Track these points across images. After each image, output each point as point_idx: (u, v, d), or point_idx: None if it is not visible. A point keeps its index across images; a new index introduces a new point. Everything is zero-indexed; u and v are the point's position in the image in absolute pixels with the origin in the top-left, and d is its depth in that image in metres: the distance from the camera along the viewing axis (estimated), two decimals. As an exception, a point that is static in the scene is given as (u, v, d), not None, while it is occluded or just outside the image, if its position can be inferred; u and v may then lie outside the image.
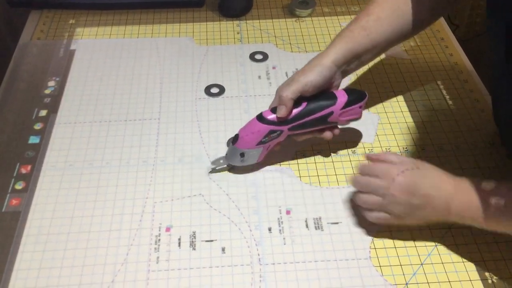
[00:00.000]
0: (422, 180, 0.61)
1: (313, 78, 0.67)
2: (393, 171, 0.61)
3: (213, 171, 0.73)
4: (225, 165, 0.73)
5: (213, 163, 0.73)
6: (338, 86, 0.72)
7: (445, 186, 0.60)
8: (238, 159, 0.71)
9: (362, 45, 0.70)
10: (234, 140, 0.70)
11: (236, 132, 0.71)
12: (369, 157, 0.67)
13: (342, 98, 0.69)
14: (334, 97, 0.69)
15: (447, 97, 0.85)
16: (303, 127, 0.70)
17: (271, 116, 0.68)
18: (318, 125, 0.70)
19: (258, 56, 0.93)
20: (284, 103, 0.67)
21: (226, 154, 0.72)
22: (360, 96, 0.71)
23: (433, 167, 0.63)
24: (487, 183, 0.59)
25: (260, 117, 0.69)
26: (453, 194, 0.59)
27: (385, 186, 0.61)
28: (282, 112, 0.67)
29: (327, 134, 0.71)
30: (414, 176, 0.61)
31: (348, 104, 0.69)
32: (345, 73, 0.72)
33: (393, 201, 0.61)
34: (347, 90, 0.71)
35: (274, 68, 0.91)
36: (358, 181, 0.65)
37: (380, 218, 0.63)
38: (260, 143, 0.69)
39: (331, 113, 0.69)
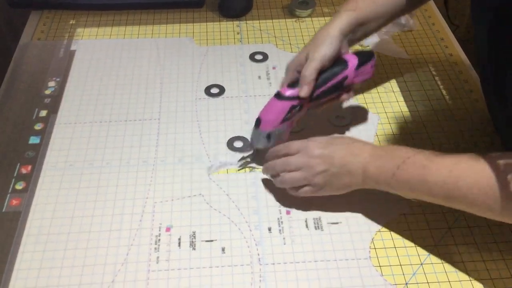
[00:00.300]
0: (338, 148, 0.64)
1: (327, 51, 0.68)
2: (310, 145, 0.65)
3: (243, 165, 0.73)
4: (251, 152, 0.73)
5: (238, 161, 0.74)
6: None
7: (361, 152, 0.63)
8: (264, 141, 0.70)
9: (367, 14, 0.71)
10: (256, 124, 0.70)
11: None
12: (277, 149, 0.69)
13: (353, 61, 0.71)
14: (345, 62, 0.70)
15: (447, 97, 0.85)
16: (322, 97, 0.71)
17: (290, 92, 0.68)
18: (336, 92, 0.72)
19: (258, 56, 0.93)
20: (307, 83, 0.68)
21: (252, 140, 0.72)
22: (369, 56, 0.73)
23: (348, 137, 0.67)
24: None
25: (279, 95, 0.69)
26: (369, 158, 0.62)
27: (305, 160, 0.64)
28: (305, 91, 0.68)
29: (345, 97, 0.73)
30: (330, 146, 0.64)
31: (359, 65, 0.71)
32: (351, 42, 0.73)
33: (313, 172, 0.64)
34: (355, 52, 0.72)
35: (274, 68, 0.91)
36: (275, 163, 0.67)
37: (307, 192, 0.66)
38: (284, 120, 0.69)
39: (346, 77, 0.70)
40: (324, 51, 0.68)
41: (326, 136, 0.68)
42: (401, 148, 0.62)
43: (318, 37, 0.70)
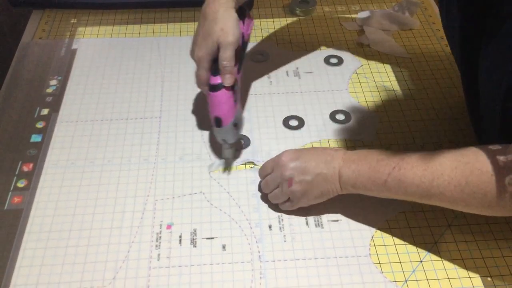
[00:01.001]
0: (310, 158, 0.64)
1: (236, 32, 0.68)
2: (282, 159, 0.65)
3: (225, 163, 0.74)
4: (230, 149, 0.73)
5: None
6: None
7: (334, 158, 0.64)
8: (234, 132, 0.71)
9: None
10: (218, 124, 0.69)
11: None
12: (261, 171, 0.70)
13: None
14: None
15: (447, 95, 0.86)
16: (242, 61, 0.73)
17: (216, 78, 0.69)
18: (245, 50, 0.75)
19: (259, 55, 0.93)
20: (230, 72, 0.68)
21: (223, 140, 0.71)
22: (242, 9, 0.73)
23: (317, 147, 0.68)
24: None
25: (216, 87, 0.69)
26: (342, 163, 0.63)
27: (279, 175, 0.65)
28: (230, 80, 0.68)
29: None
30: (302, 157, 0.65)
31: (242, 19, 0.72)
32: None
33: (289, 184, 0.64)
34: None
35: (274, 67, 0.91)
36: (261, 185, 0.69)
37: (288, 206, 0.67)
38: (234, 102, 0.70)
39: (243, 36, 0.72)
40: (234, 34, 0.67)
41: (296, 148, 0.70)
42: (373, 151, 0.63)
43: (219, 18, 0.67)
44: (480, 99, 0.65)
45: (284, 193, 0.66)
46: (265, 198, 0.70)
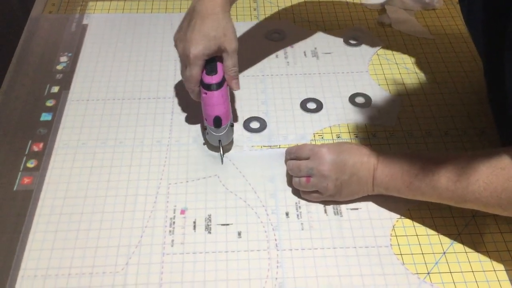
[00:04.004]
0: (349, 156, 0.63)
1: (236, 37, 0.68)
2: (321, 151, 0.63)
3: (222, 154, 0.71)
4: (221, 152, 0.70)
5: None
6: None
7: (370, 160, 0.62)
8: (232, 131, 0.70)
9: None
10: (218, 124, 0.67)
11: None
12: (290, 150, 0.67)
13: None
14: None
15: (472, 79, 0.82)
16: None
17: (216, 78, 0.67)
18: None
19: (275, 34, 0.90)
20: (235, 77, 0.69)
21: (220, 141, 0.69)
22: None
23: (354, 145, 0.65)
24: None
25: (212, 87, 0.67)
26: (377, 166, 0.62)
27: (315, 166, 0.63)
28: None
29: None
30: (341, 154, 0.63)
31: None
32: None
33: (323, 179, 0.63)
34: None
35: (291, 46, 0.88)
36: (288, 165, 0.66)
37: (316, 198, 0.65)
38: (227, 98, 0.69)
39: None
40: (236, 40, 0.68)
41: (335, 142, 0.69)
42: (408, 155, 0.62)
43: (220, 22, 0.66)
44: (507, 96, 0.61)
45: (314, 186, 0.63)
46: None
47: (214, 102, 0.67)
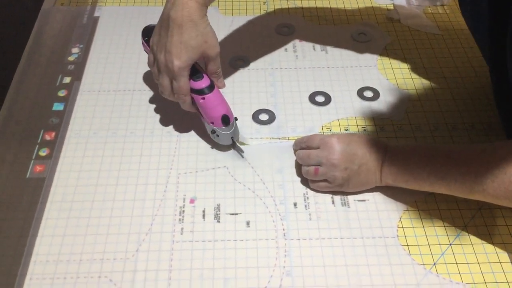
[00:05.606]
0: (359, 146, 0.63)
1: (217, 40, 0.68)
2: (332, 140, 0.64)
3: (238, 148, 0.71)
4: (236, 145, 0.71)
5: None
6: None
7: (379, 150, 0.63)
8: (237, 127, 0.70)
9: None
10: (226, 122, 0.68)
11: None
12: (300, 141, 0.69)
13: None
14: None
15: (480, 74, 0.83)
16: None
17: (206, 82, 0.68)
18: None
19: (285, 28, 0.91)
20: (220, 76, 0.70)
21: (232, 139, 0.70)
22: None
23: (363, 135, 0.66)
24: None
25: (205, 90, 0.67)
26: (387, 157, 0.63)
27: (324, 155, 0.64)
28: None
29: None
30: (351, 144, 0.64)
31: None
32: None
33: (333, 169, 0.63)
34: None
35: (301, 41, 0.89)
36: (298, 154, 0.67)
37: (324, 187, 0.65)
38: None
39: None
40: (218, 44, 0.67)
41: (345, 133, 0.69)
42: (416, 147, 0.63)
43: (199, 29, 0.64)
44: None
45: (324, 175, 0.64)
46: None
47: (215, 103, 0.68)
